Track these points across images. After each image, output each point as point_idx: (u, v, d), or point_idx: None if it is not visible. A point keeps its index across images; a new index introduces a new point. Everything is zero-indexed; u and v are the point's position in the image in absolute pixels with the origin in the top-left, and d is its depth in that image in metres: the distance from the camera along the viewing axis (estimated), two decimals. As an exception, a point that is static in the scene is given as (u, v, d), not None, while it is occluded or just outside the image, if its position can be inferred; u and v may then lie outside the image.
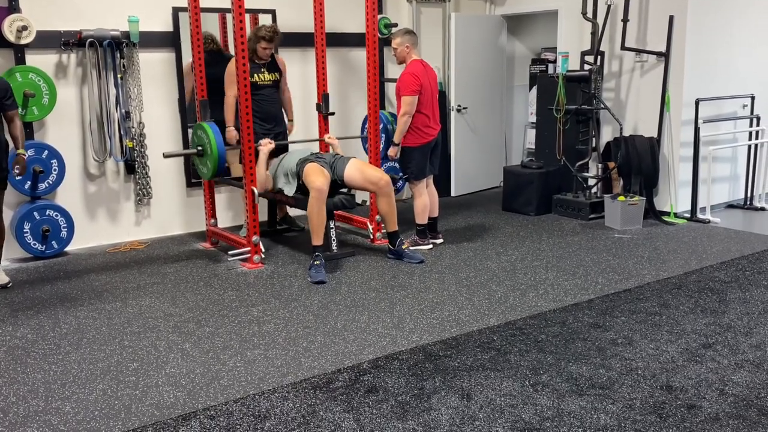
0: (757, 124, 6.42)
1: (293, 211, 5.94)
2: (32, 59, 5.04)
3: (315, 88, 5.74)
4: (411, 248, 5.13)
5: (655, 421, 2.74)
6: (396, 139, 5.06)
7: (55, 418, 2.87)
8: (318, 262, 4.62)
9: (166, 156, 5.02)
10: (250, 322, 3.88)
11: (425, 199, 5.21)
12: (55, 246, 5.16)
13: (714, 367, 3.21)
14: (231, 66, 5.12)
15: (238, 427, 2.76)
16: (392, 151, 5.11)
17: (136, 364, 3.36)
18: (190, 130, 5.73)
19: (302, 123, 6.02)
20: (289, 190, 4.95)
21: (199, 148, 5.01)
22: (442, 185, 6.75)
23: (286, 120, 5.65)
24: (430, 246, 5.27)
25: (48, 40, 5.07)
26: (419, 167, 5.15)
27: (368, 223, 5.53)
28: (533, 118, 7.41)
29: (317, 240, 4.69)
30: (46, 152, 5.05)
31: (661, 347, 3.44)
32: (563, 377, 3.13)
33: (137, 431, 2.75)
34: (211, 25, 5.74)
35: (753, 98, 6.36)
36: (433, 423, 2.76)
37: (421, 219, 5.23)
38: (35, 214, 5.03)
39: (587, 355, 3.35)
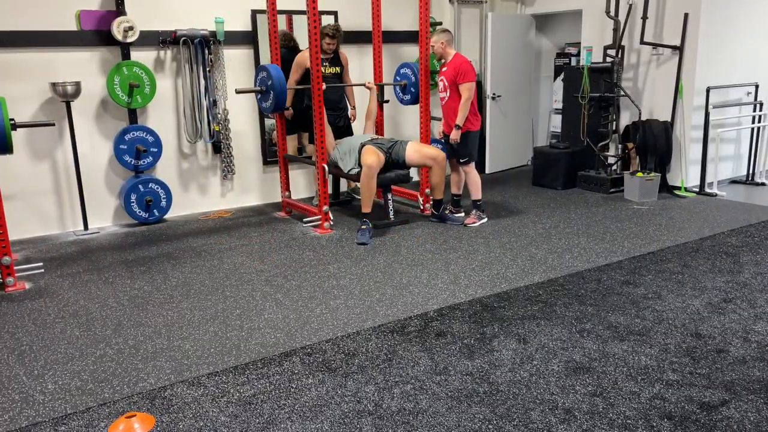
0: (760, 109, 6.27)
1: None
2: (136, 55, 5.11)
3: (372, 79, 5.73)
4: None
5: (690, 363, 2.75)
6: (459, 122, 4.89)
7: (178, 354, 2.97)
8: (365, 227, 4.67)
9: (238, 92, 4.99)
10: (328, 277, 3.95)
11: (478, 177, 5.14)
12: (157, 214, 5.28)
13: (736, 318, 3.20)
14: (298, 57, 5.22)
15: (332, 362, 2.84)
16: (456, 135, 4.93)
17: (239, 311, 3.45)
18: (265, 119, 5.80)
19: (359, 109, 6.03)
20: (346, 166, 4.96)
21: (263, 87, 5.03)
22: (477, 164, 6.69)
23: (348, 106, 5.67)
24: (485, 219, 5.19)
25: (148, 39, 5.13)
26: (476, 149, 5.12)
27: (419, 196, 5.55)
28: (557, 105, 7.33)
29: (366, 208, 4.75)
30: (147, 134, 5.15)
31: (687, 301, 3.43)
32: (604, 325, 3.14)
33: (249, 365, 2.84)
34: (280, 25, 5.74)
35: (757, 86, 6.21)
36: (497, 362, 2.81)
37: (477, 194, 5.11)
38: (140, 186, 5.14)
39: (623, 307, 3.36)
